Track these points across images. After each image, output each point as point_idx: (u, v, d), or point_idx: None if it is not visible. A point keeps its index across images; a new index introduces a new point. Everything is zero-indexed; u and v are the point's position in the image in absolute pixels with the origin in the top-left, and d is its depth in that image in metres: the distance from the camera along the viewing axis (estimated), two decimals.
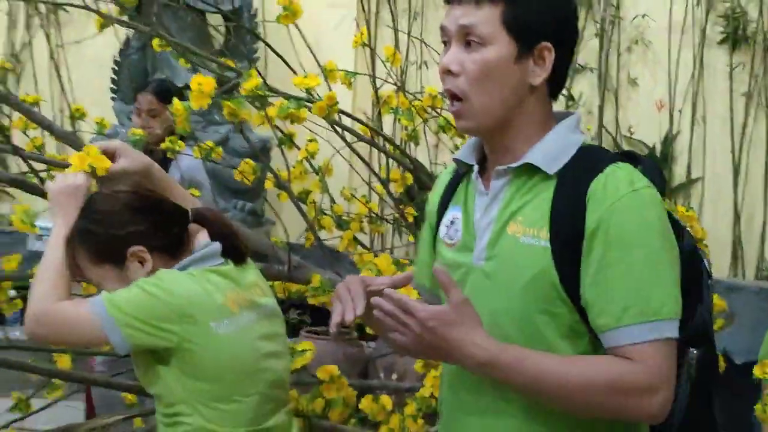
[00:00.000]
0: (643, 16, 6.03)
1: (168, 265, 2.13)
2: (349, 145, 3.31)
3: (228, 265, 2.19)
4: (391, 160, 4.35)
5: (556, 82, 1.75)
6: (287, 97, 2.83)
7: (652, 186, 1.67)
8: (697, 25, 5.97)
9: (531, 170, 1.71)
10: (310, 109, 2.85)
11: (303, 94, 2.88)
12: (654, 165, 1.78)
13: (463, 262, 1.75)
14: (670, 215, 1.73)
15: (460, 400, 1.79)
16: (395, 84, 3.32)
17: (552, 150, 1.71)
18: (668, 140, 6.07)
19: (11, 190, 6.54)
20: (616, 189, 1.63)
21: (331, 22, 6.24)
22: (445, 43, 1.74)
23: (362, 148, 3.84)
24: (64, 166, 2.49)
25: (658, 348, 1.61)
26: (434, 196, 1.93)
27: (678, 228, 1.75)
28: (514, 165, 1.72)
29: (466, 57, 1.69)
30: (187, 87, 5.79)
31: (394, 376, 4.43)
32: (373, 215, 3.54)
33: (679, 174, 6.09)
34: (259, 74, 2.91)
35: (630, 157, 1.76)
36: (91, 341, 2.15)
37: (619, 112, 6.18)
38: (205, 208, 2.27)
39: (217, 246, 2.18)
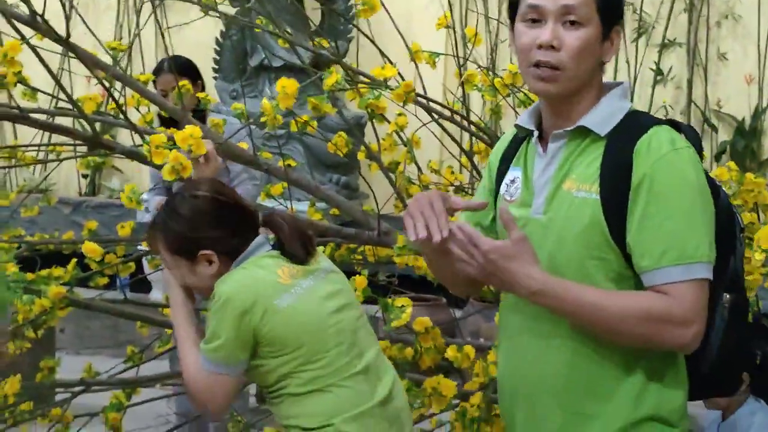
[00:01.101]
0: None
1: (228, 266, 2.40)
2: (435, 120, 3.50)
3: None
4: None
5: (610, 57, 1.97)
6: (371, 84, 3.04)
7: (690, 147, 1.88)
8: None
9: (584, 133, 1.92)
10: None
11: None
12: (693, 132, 1.98)
13: (521, 216, 1.96)
14: (707, 175, 1.92)
15: (522, 324, 1.99)
16: (475, 63, 3.48)
17: (603, 115, 1.91)
18: (758, 114, 6.10)
19: (120, 165, 6.91)
20: (659, 147, 1.84)
21: (422, 2, 6.40)
22: (533, 20, 1.91)
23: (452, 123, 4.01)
24: (170, 138, 2.77)
25: (692, 287, 1.81)
26: (495, 153, 2.14)
27: (714, 186, 1.94)
28: (569, 128, 1.93)
29: (566, 34, 1.88)
30: (279, 68, 6.01)
31: (481, 340, 4.61)
32: (458, 185, 3.71)
33: None
34: (342, 66, 3.11)
35: (672, 124, 1.95)
36: (231, 390, 2.37)
37: (708, 87, 6.22)
38: (278, 213, 2.52)
39: (260, 238, 2.44)
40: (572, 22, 1.87)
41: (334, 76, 2.95)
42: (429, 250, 1.99)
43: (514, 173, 2.03)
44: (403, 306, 2.94)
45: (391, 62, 3.12)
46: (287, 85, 2.87)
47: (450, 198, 1.92)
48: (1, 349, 2.38)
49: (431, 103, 3.46)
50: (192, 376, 2.35)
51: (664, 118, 1.98)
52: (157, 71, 4.16)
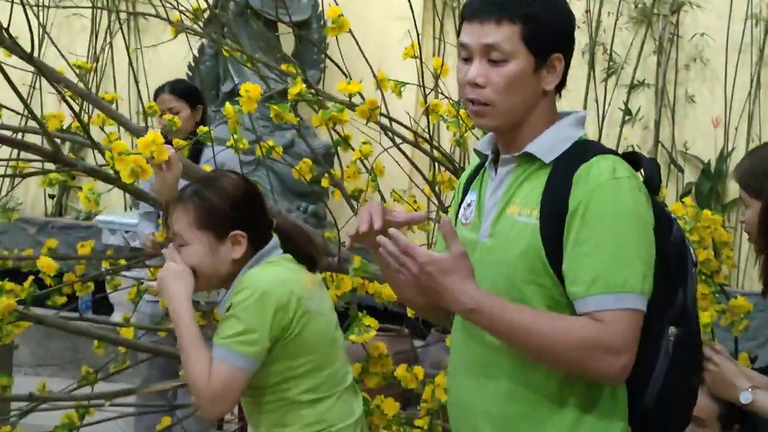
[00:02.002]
0: (702, 34, 6.14)
1: (247, 259, 2.40)
2: (397, 146, 3.52)
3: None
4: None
5: (562, 84, 1.98)
6: (335, 101, 3.05)
7: (632, 177, 1.88)
8: (755, 44, 6.07)
9: (531, 159, 1.94)
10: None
11: (354, 99, 3.11)
12: (653, 165, 1.98)
13: (472, 239, 1.99)
14: (662, 209, 1.94)
15: (460, 361, 2.02)
16: (443, 94, 3.50)
17: (550, 142, 1.94)
18: (723, 156, 6.16)
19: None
20: (598, 175, 1.85)
21: (398, 34, 6.43)
22: (465, 59, 1.94)
23: (420, 153, 4.03)
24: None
25: (622, 316, 1.81)
26: (464, 175, 2.18)
27: (668, 220, 1.95)
28: (516, 154, 1.95)
29: (491, 71, 1.91)
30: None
31: (442, 372, 4.60)
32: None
33: (733, 190, 6.17)
34: (306, 81, 3.12)
35: (632, 157, 1.96)
36: (244, 385, 2.32)
37: (676, 128, 6.28)
38: (287, 221, 2.57)
39: (275, 240, 2.46)
40: (496, 59, 1.89)
41: (298, 86, 2.95)
42: (386, 269, 2.02)
43: (471, 197, 2.07)
44: (369, 326, 2.96)
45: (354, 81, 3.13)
46: (251, 89, 2.87)
47: (392, 212, 1.99)
48: None
49: (395, 125, 3.47)
50: (205, 374, 2.26)
51: (615, 150, 2.00)
52: (158, 92, 4.21)
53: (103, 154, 2.97)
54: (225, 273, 2.40)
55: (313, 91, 3.12)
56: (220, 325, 2.33)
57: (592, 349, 1.80)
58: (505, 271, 1.90)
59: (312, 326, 2.37)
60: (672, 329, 1.92)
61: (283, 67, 3.63)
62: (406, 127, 3.57)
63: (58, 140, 3.23)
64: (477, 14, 1.91)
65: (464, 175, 2.17)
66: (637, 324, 1.82)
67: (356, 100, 3.19)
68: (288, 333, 2.32)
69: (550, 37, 1.91)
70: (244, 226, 2.38)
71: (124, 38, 4.02)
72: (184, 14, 3.69)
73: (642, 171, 1.98)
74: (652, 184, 1.95)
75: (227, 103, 2.99)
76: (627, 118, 6.28)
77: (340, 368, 2.47)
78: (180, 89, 4.18)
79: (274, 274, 2.36)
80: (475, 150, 2.08)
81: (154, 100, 4.18)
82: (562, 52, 1.93)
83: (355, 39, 3.41)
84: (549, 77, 1.93)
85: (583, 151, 1.91)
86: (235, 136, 3.37)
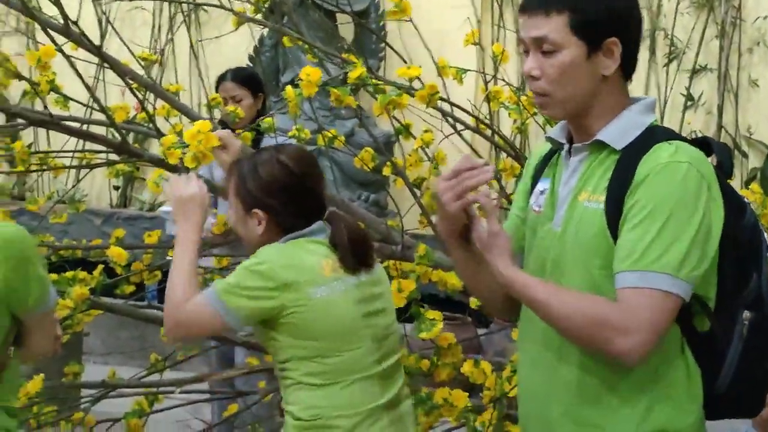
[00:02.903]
0: (765, 17, 6.05)
1: (278, 237, 2.45)
2: (458, 132, 3.51)
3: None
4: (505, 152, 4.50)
5: (629, 68, 1.96)
6: (395, 86, 3.05)
7: (694, 163, 1.85)
8: None
9: (603, 146, 1.94)
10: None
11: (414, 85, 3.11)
12: (725, 149, 1.97)
13: (544, 227, 2.00)
14: (735, 193, 1.93)
15: (535, 336, 2.02)
16: (503, 80, 3.49)
17: (621, 129, 1.93)
18: None
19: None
20: (657, 158, 1.85)
21: (455, 22, 6.43)
22: (525, 52, 1.96)
23: (481, 140, 4.02)
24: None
25: (643, 295, 1.79)
26: (530, 164, 2.17)
27: (741, 204, 1.94)
28: (587, 142, 1.94)
29: (544, 62, 1.91)
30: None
31: (505, 360, 4.60)
32: None
33: None
34: (368, 68, 3.13)
35: (704, 142, 1.95)
36: (215, 329, 2.48)
37: (739, 113, 6.19)
38: (343, 215, 2.58)
39: (319, 224, 2.47)
40: (547, 51, 1.90)
41: (358, 70, 2.95)
42: (462, 256, 2.04)
43: (544, 184, 2.07)
44: (434, 319, 2.95)
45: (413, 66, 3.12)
46: (311, 72, 2.87)
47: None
48: (56, 332, 2.37)
49: (456, 111, 3.46)
50: (183, 299, 2.35)
51: (687, 137, 1.98)
52: (220, 80, 4.24)
53: None
54: (256, 241, 2.47)
55: (373, 77, 3.12)
56: None
57: (601, 327, 1.80)
58: (578, 258, 1.91)
59: (318, 313, 2.38)
60: (746, 313, 1.91)
61: (344, 55, 3.63)
62: (466, 111, 3.56)
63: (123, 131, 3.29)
64: (527, 7, 1.93)
65: (535, 159, 2.16)
66: (663, 306, 1.79)
67: (416, 85, 3.19)
68: (284, 314, 2.36)
69: (600, 23, 1.90)
70: (266, 210, 2.45)
71: (188, 30, 4.08)
72: (247, 2, 3.71)
73: (714, 157, 1.96)
74: (724, 169, 1.94)
75: (288, 87, 3.00)
76: (689, 103, 6.22)
77: (361, 357, 2.44)
78: (242, 77, 4.21)
79: (288, 255, 2.40)
80: (547, 137, 2.08)
81: (216, 88, 4.21)
82: (617, 36, 1.91)
83: (414, 26, 3.41)
84: (606, 62, 1.92)
85: (652, 137, 1.90)
86: (296, 126, 3.40)
